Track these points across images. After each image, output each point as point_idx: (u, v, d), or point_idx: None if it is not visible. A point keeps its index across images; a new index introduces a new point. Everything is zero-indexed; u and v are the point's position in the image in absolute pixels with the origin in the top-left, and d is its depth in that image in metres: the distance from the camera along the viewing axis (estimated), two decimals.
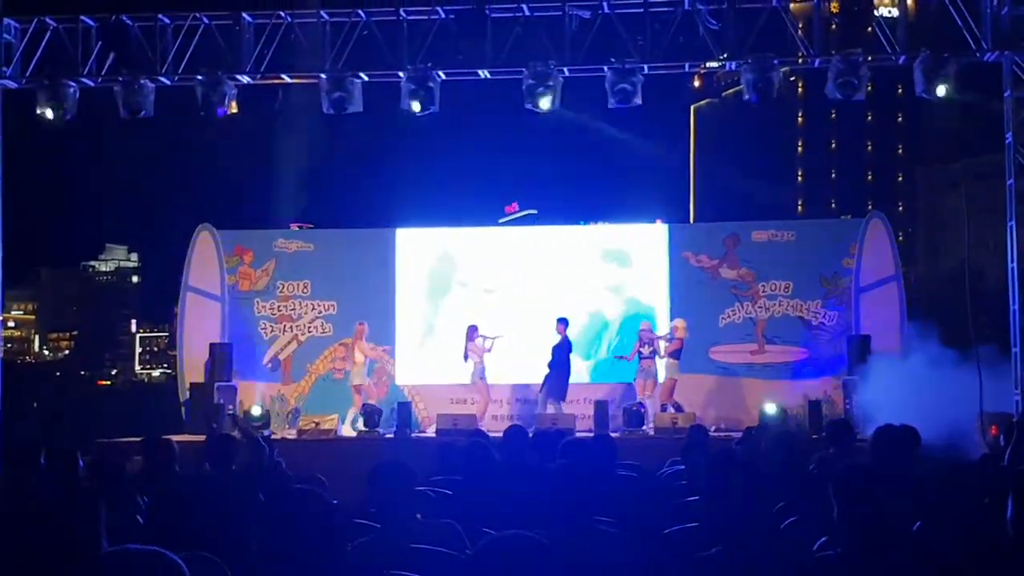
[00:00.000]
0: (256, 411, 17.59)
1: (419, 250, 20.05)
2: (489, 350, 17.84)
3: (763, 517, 5.26)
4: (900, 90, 70.09)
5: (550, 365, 17.61)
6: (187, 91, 16.85)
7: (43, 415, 26.51)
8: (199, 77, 16.62)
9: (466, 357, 17.84)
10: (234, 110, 17.00)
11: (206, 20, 16.79)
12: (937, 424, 10.68)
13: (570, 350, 17.83)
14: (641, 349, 17.85)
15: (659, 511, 6.56)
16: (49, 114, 16.58)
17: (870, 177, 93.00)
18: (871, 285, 18.94)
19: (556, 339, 17.75)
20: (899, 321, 18.58)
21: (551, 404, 17.47)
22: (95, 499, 3.37)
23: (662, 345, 17.84)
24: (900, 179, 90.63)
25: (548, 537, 3.25)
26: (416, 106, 16.41)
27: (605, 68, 16.30)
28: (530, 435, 8.51)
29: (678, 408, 17.26)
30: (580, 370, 18.65)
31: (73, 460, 6.83)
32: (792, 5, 16.45)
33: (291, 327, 19.69)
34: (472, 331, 17.92)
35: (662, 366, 17.82)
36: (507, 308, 19.29)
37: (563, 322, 17.84)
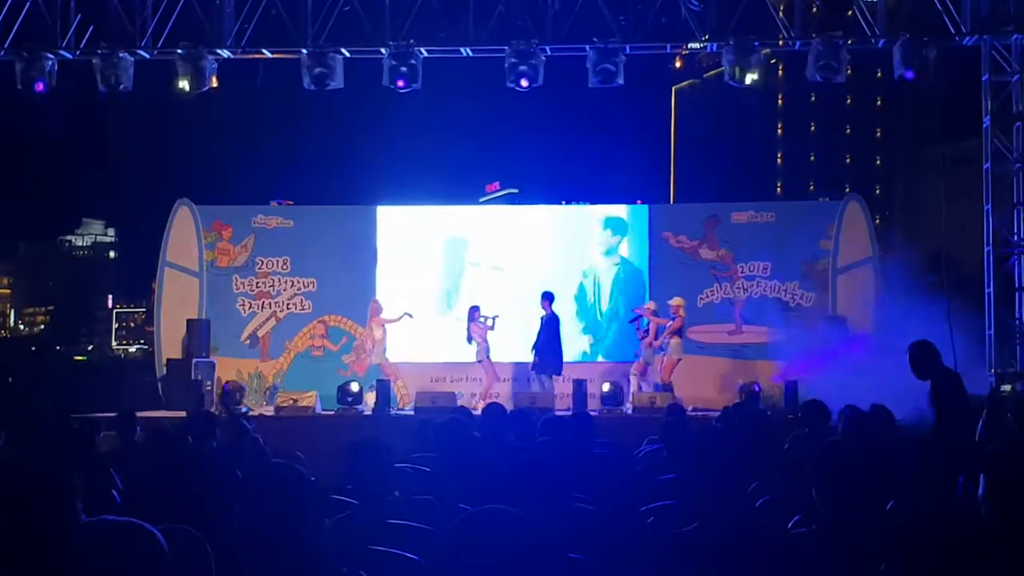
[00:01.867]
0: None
1: (400, 228, 19.99)
2: (492, 328, 17.77)
3: (739, 495, 5.30)
4: (880, 73, 70.32)
5: (537, 342, 17.55)
6: (167, 65, 16.78)
7: (14, 390, 26.35)
8: (179, 51, 16.54)
9: (470, 338, 17.78)
10: (214, 85, 16.93)
11: None
12: (911, 405, 10.75)
13: (559, 325, 17.75)
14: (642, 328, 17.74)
15: (636, 489, 6.59)
16: (28, 87, 16.48)
17: (849, 160, 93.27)
18: (848, 267, 19.03)
19: (542, 316, 17.68)
20: (875, 303, 18.66)
21: (543, 380, 17.40)
22: (67, 471, 3.37)
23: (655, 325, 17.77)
24: (878, 162, 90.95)
25: (525, 513, 3.27)
26: (398, 83, 16.38)
27: (587, 48, 16.29)
28: (508, 412, 8.52)
29: (667, 389, 17.18)
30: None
31: (38, 435, 6.81)
32: None
33: (270, 304, 19.63)
34: (474, 311, 17.84)
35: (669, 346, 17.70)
36: (492, 286, 19.32)
37: (548, 297, 17.77)
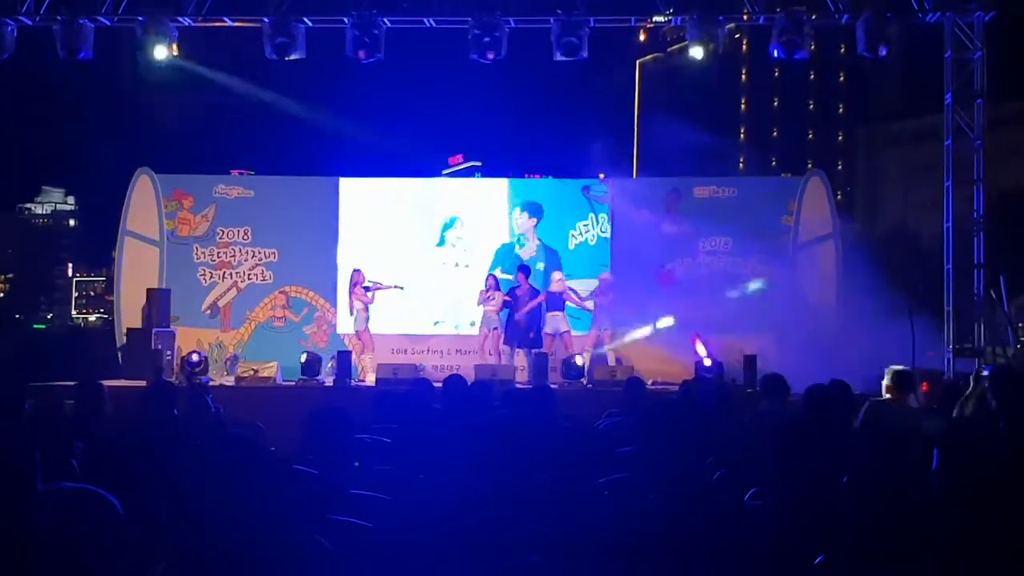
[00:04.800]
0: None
1: (362, 199, 19.92)
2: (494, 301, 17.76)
3: (697, 468, 5.34)
4: (843, 49, 70.58)
5: (510, 315, 17.55)
6: (125, 32, 16.61)
7: None
8: (140, 18, 16.37)
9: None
10: (175, 52, 16.79)
11: None
12: (870, 380, 10.86)
13: (536, 296, 17.73)
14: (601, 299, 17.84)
15: (594, 461, 6.62)
16: None
17: (811, 136, 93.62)
18: (809, 242, 19.11)
19: (514, 288, 17.67)
20: (836, 278, 18.77)
21: (521, 352, 17.41)
22: (30, 441, 3.36)
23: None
24: (840, 138, 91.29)
25: (483, 483, 3.28)
26: (361, 54, 16.29)
27: (551, 20, 16.25)
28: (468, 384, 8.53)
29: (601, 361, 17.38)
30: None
31: (19, 406, 6.74)
32: None
33: (231, 274, 19.53)
34: (492, 280, 17.81)
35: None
36: (453, 258, 19.34)
37: (524, 270, 17.79)
